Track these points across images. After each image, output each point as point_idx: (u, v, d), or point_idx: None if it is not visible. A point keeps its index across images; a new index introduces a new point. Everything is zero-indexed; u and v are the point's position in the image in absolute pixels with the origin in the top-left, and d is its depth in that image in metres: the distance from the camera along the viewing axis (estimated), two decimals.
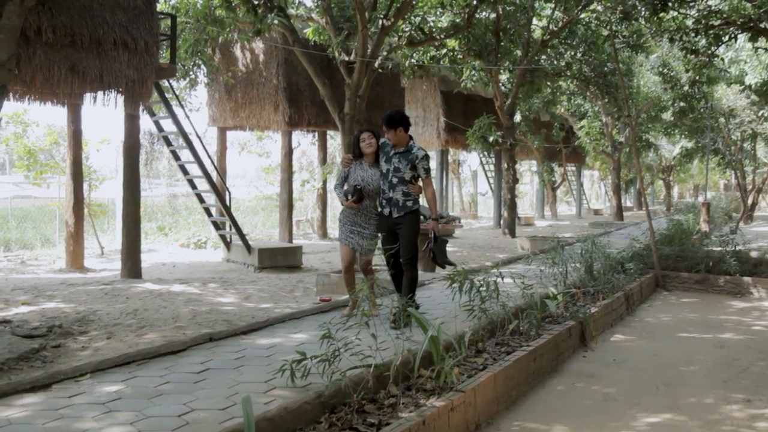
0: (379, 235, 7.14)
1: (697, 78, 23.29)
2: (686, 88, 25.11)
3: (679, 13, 14.61)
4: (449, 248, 16.89)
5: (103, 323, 7.39)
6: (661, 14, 13.93)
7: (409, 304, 6.49)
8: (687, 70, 22.04)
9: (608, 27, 18.77)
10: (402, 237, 6.99)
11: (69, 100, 12.17)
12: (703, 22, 13.92)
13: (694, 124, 29.57)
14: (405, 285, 6.95)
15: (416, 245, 7.06)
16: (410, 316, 6.22)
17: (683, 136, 32.97)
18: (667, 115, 30.02)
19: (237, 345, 6.09)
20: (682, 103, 26.96)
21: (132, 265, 11.55)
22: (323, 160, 20.56)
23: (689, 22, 14.68)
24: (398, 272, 7.12)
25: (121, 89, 10.83)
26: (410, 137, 7.13)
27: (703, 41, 15.40)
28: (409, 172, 7.01)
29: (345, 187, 7.20)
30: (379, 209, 7.16)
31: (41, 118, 29.82)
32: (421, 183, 7.18)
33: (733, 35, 13.99)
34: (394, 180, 7.00)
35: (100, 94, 11.13)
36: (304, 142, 25.98)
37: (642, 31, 20.31)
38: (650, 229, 11.92)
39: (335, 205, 30.07)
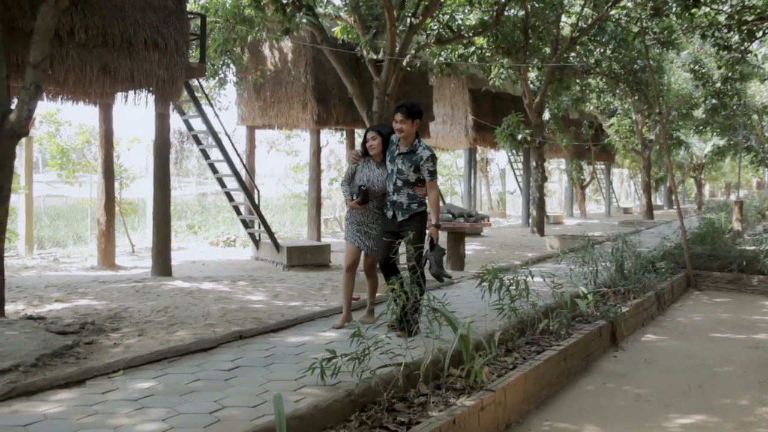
0: (383, 239, 6.67)
1: (730, 75, 22.99)
2: (718, 84, 24.79)
3: (711, 8, 14.44)
4: (475, 248, 16.87)
5: (135, 320, 7.47)
6: (693, 10, 13.78)
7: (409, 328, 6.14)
8: (719, 67, 21.76)
9: (638, 23, 18.58)
10: (408, 241, 6.36)
11: (101, 99, 12.31)
12: (736, 17, 13.73)
13: (726, 121, 29.20)
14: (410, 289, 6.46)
15: (421, 249, 6.50)
16: (414, 314, 6.17)
17: (715, 133, 32.58)
18: (699, 113, 29.66)
19: (267, 343, 6.11)
20: (714, 100, 26.62)
21: (162, 263, 11.65)
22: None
23: (722, 18, 14.49)
24: (391, 274, 6.57)
25: (151, 88, 10.94)
26: (417, 135, 6.68)
27: (736, 37, 15.21)
28: (414, 175, 6.57)
29: (351, 186, 6.87)
30: (385, 211, 6.77)
31: (74, 118, 30.15)
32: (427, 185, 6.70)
33: (767, 31, 13.77)
34: (399, 183, 6.60)
35: (131, 93, 11.26)
36: (333, 140, 26.07)
37: (673, 27, 20.09)
38: (682, 228, 11.79)
39: None
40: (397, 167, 6.59)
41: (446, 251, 6.86)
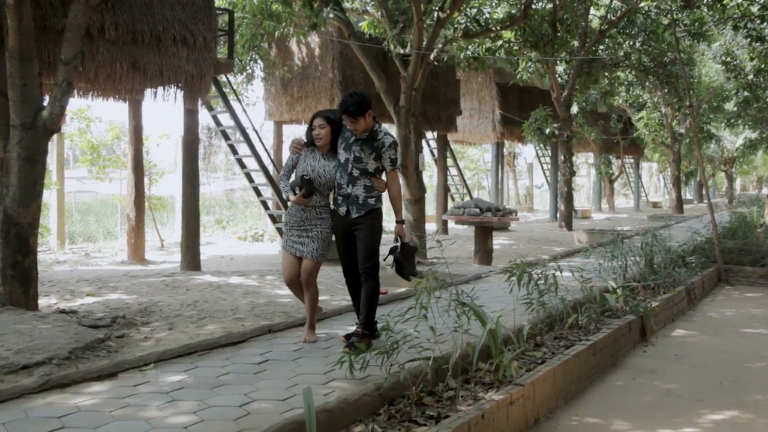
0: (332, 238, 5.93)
1: (763, 66, 22.64)
2: (751, 77, 24.42)
3: None
4: (502, 242, 16.80)
5: (165, 314, 7.54)
6: (725, 1, 13.58)
7: (370, 331, 5.72)
8: (752, 59, 21.47)
9: (669, 15, 18.37)
10: (361, 241, 5.75)
11: (130, 95, 12.44)
12: None
13: (758, 114, 28.77)
14: (363, 302, 5.76)
15: (377, 251, 5.84)
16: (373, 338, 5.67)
17: (747, 126, 32.12)
18: (730, 106, 29.26)
19: (295, 337, 6.14)
20: (746, 93, 26.24)
21: (191, 258, 11.75)
22: None
23: (754, 9, 14.27)
24: (355, 283, 5.93)
25: (180, 84, 11.04)
26: (376, 121, 5.85)
27: None
28: (374, 163, 5.75)
29: (292, 179, 5.93)
30: (333, 208, 5.90)
31: (104, 114, 30.55)
32: (385, 177, 5.91)
33: None
34: (355, 172, 5.74)
35: (160, 89, 11.36)
36: None
37: (704, 19, 19.82)
38: (713, 222, 11.65)
39: (385, 198, 30.09)
40: (354, 155, 5.75)
41: (417, 248, 6.16)
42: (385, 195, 5.99)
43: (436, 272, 5.32)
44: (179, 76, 10.72)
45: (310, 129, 5.90)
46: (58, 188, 15.29)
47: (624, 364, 6.54)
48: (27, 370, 5.24)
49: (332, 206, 5.90)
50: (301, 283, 5.89)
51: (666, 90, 25.42)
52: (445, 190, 20.57)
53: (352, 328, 6.41)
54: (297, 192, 5.74)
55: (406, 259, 5.88)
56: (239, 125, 13.34)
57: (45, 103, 7.26)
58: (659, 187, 53.61)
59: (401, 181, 11.97)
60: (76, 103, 16.69)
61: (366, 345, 5.35)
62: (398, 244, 5.92)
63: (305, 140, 6.00)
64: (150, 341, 6.40)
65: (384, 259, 6.00)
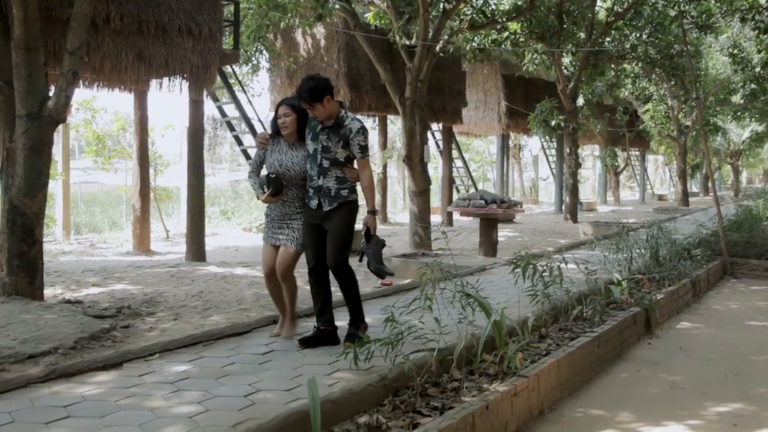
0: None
1: None
2: (758, 69, 24.34)
3: None
4: (508, 234, 16.79)
5: (170, 305, 7.56)
6: None
7: (356, 333, 5.44)
8: (759, 51, 21.37)
9: (676, 7, 18.29)
10: (331, 234, 5.45)
11: (135, 86, 12.44)
12: None
13: (765, 106, 28.68)
14: (345, 297, 5.58)
15: (349, 245, 5.55)
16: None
17: (754, 119, 32.02)
18: (737, 98, 29.15)
19: (300, 328, 6.14)
20: (753, 85, 26.15)
21: (196, 249, 11.77)
22: (383, 145, 20.61)
23: (762, 0, 14.20)
24: (320, 280, 5.58)
25: (185, 75, 11.04)
26: (342, 106, 5.53)
27: None
28: (343, 152, 5.43)
29: (263, 174, 5.64)
30: (306, 201, 5.57)
31: (109, 105, 30.57)
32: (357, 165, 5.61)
33: None
34: (325, 163, 5.42)
35: (165, 80, 11.37)
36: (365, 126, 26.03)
37: (711, 10, 19.73)
38: (718, 215, 11.61)
39: (395, 190, 30.17)
40: (322, 144, 5.43)
41: (385, 243, 5.72)
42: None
43: (441, 263, 5.31)
44: (184, 66, 10.72)
45: (276, 118, 5.62)
46: (64, 179, 15.32)
47: (629, 357, 6.53)
48: (33, 359, 5.26)
49: (306, 199, 5.58)
50: (279, 275, 5.62)
51: (672, 82, 25.33)
52: (450, 181, 20.57)
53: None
54: (265, 191, 5.52)
55: (374, 254, 5.46)
56: (244, 116, 13.34)
57: (50, 94, 7.27)
58: (665, 179, 53.51)
59: (406, 173, 11.95)
60: (81, 94, 16.71)
61: (363, 330, 5.48)
62: (365, 236, 5.55)
63: (270, 132, 5.76)
64: (155, 331, 6.42)
65: (358, 252, 5.67)
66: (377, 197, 21.28)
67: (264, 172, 5.59)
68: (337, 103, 5.46)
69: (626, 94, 28.68)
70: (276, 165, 5.53)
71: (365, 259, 5.50)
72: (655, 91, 28.51)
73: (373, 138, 26.50)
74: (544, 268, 6.49)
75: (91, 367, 4.80)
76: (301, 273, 6.07)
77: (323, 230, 5.47)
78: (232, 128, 14.35)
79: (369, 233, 5.50)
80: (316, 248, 5.51)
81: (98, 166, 17.62)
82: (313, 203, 5.48)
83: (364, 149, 5.49)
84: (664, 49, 22.08)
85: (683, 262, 9.57)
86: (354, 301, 5.58)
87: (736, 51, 24.04)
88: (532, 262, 6.34)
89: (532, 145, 37.22)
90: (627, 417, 4.90)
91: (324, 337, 5.51)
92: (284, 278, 5.63)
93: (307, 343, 5.44)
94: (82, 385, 4.49)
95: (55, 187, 15.07)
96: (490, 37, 17.41)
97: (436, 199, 21.56)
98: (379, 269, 5.41)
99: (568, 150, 20.94)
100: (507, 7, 16.54)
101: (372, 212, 5.54)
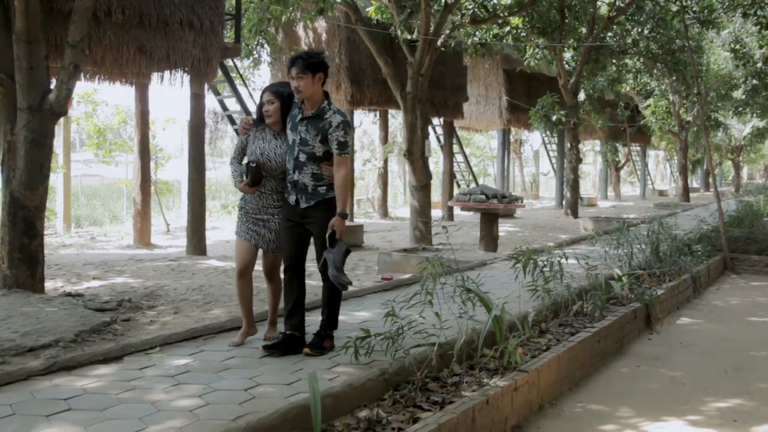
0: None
1: None
2: (760, 64, 24.27)
3: None
4: (508, 229, 16.78)
5: (170, 298, 7.57)
6: None
7: (321, 344, 5.08)
8: (761, 46, 21.33)
9: (677, 2, 18.24)
10: (316, 237, 5.13)
11: (137, 79, 12.43)
12: None
13: (767, 102, 28.62)
14: (325, 301, 5.23)
15: None
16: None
17: (755, 114, 31.98)
18: (738, 93, 29.11)
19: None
20: (754, 81, 26.11)
21: (197, 242, 11.78)
22: (384, 139, 20.59)
23: None
24: (294, 279, 5.23)
25: (187, 68, 11.03)
26: (327, 95, 5.12)
27: None
28: (321, 147, 5.01)
29: (245, 161, 5.24)
30: (285, 196, 5.20)
31: (110, 98, 30.54)
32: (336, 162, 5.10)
33: None
34: (302, 157, 5.02)
35: (166, 73, 11.37)
36: (366, 121, 26.04)
37: (713, 5, 19.69)
38: (719, 211, 11.61)
39: (395, 184, 30.18)
40: (300, 136, 5.03)
41: (350, 250, 5.16)
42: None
43: (442, 258, 5.32)
44: (186, 60, 10.71)
45: (260, 105, 5.24)
46: (65, 172, 15.33)
47: (629, 352, 6.54)
48: (33, 352, 5.27)
49: (285, 194, 5.22)
50: (266, 275, 5.42)
51: (674, 77, 25.29)
52: (450, 176, 20.56)
53: (359, 313, 6.43)
54: (244, 179, 5.15)
55: (334, 260, 4.91)
56: (246, 110, 13.32)
57: (52, 86, 7.26)
58: (666, 175, 53.47)
59: (407, 167, 11.91)
60: (82, 87, 16.68)
61: (330, 346, 5.10)
62: (329, 241, 4.99)
63: (254, 118, 5.39)
64: (156, 325, 6.43)
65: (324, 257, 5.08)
66: (378, 191, 21.32)
67: (246, 159, 5.25)
68: (324, 92, 5.09)
69: (627, 89, 28.64)
70: (257, 153, 5.16)
71: (323, 263, 5.01)
72: (657, 86, 28.48)
73: (374, 132, 26.54)
74: (545, 263, 6.50)
75: (91, 360, 4.80)
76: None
77: (303, 229, 5.14)
78: (233, 122, 14.33)
79: (334, 237, 4.97)
80: (293, 248, 5.18)
81: (99, 159, 17.60)
82: (292, 199, 5.13)
83: (343, 146, 5.03)
84: (666, 44, 22.05)
85: (684, 257, 9.58)
86: (333, 308, 5.22)
87: (737, 46, 23.97)
88: (533, 257, 6.35)
89: (533, 140, 37.17)
90: (627, 412, 4.91)
91: (291, 343, 5.09)
92: (271, 279, 5.44)
93: (272, 349, 5.05)
94: (82, 378, 4.49)
95: (56, 180, 15.07)
96: (491, 32, 17.38)
97: (436, 194, 21.57)
98: (337, 277, 4.90)
99: (569, 145, 20.93)
100: (509, 2, 16.49)
101: (342, 215, 5.03)
